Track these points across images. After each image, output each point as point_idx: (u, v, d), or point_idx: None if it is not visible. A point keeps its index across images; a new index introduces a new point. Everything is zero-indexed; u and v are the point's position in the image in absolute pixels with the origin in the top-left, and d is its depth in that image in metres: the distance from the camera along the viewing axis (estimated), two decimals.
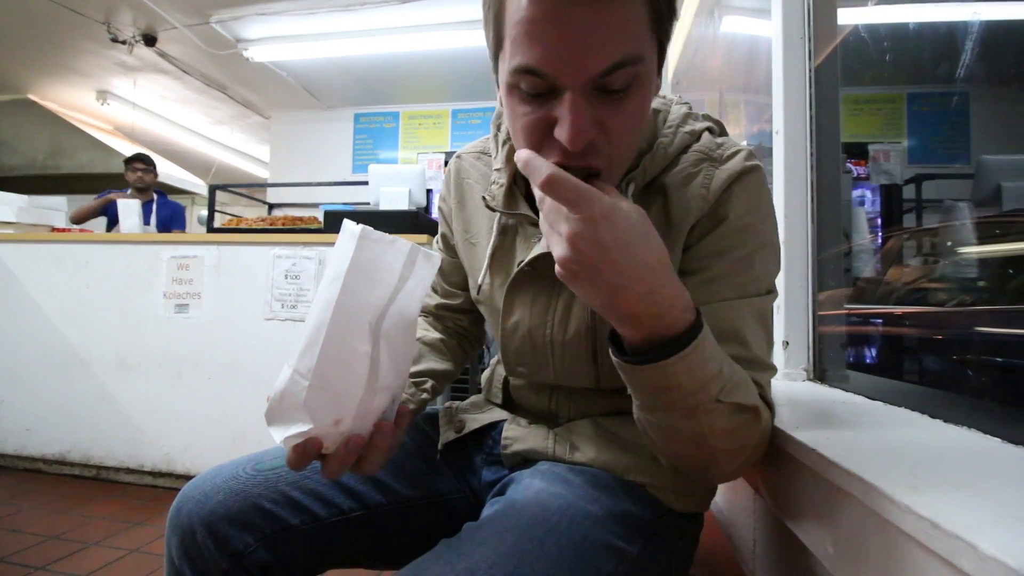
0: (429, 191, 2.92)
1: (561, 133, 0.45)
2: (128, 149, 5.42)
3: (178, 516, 0.60)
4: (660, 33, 0.47)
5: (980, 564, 0.28)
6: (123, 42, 4.02)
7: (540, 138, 0.47)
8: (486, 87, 4.29)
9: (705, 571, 0.87)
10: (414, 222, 2.41)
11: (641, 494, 0.58)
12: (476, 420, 0.70)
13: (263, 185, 5.48)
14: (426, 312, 0.80)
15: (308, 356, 0.45)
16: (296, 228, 2.69)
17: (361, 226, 0.46)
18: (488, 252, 0.65)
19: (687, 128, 0.59)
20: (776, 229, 0.58)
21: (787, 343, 0.86)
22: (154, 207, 3.46)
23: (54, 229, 3.04)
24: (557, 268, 0.42)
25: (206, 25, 3.81)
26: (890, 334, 1.07)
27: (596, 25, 0.42)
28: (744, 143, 0.61)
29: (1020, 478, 0.39)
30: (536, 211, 0.58)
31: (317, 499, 0.62)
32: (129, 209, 2.71)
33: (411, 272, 0.47)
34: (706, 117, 0.62)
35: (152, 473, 2.24)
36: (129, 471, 2.26)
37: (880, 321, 1.07)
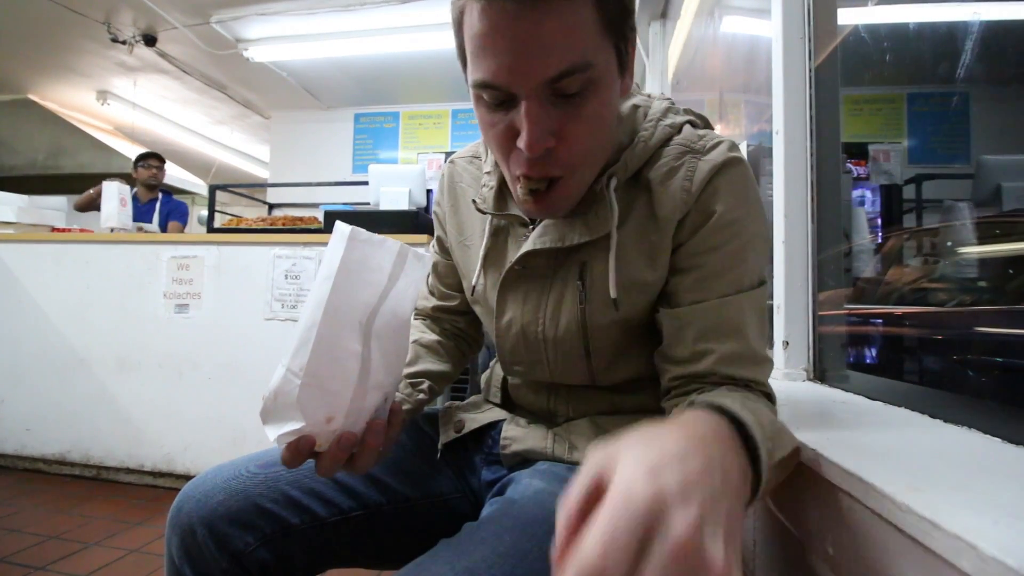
0: (429, 191, 2.91)
1: (521, 141, 0.47)
2: (128, 149, 5.43)
3: (178, 516, 0.60)
4: (615, 35, 0.48)
5: (980, 564, 0.28)
6: (123, 42, 4.02)
7: (508, 149, 0.50)
8: None
9: None
10: (414, 222, 2.41)
11: None
12: (475, 420, 0.70)
13: (263, 185, 5.49)
14: (423, 314, 0.81)
15: (300, 355, 0.46)
16: (296, 228, 2.69)
17: (351, 227, 0.46)
18: (481, 253, 0.65)
19: (668, 121, 0.59)
20: (764, 219, 0.58)
21: (787, 343, 0.86)
22: (157, 205, 3.46)
23: (54, 229, 3.04)
24: None
25: (206, 25, 3.81)
26: (890, 334, 1.07)
27: (541, 36, 0.44)
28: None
29: (1020, 478, 0.39)
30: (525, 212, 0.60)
31: (317, 499, 0.62)
32: (112, 191, 2.57)
33: (401, 272, 0.48)
34: (688, 111, 0.62)
35: (152, 473, 2.24)
36: (129, 471, 2.26)
37: (880, 321, 1.07)
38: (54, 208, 3.28)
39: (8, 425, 2.37)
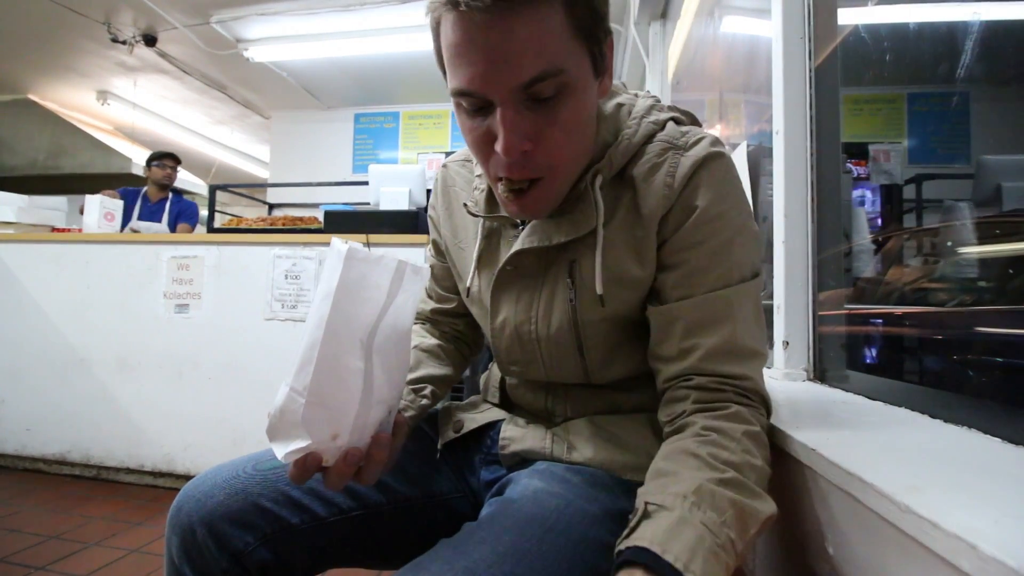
0: (429, 191, 2.91)
1: (498, 145, 0.49)
2: (128, 149, 5.42)
3: (178, 516, 0.60)
4: (587, 40, 0.50)
5: (980, 564, 0.28)
6: (123, 42, 4.02)
7: (488, 153, 0.52)
8: None
9: None
10: (414, 222, 2.41)
11: None
12: (474, 420, 0.70)
13: (263, 185, 5.48)
14: (422, 318, 0.81)
15: (303, 374, 0.46)
16: (296, 228, 2.69)
17: (348, 245, 0.47)
18: (474, 255, 0.66)
19: (651, 118, 0.59)
20: (750, 213, 0.58)
21: (787, 343, 0.86)
22: (167, 205, 3.46)
23: (54, 229, 3.04)
24: None
25: (206, 25, 3.81)
26: (890, 334, 1.07)
27: (512, 44, 0.45)
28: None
29: (1020, 478, 0.39)
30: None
31: (317, 498, 0.62)
32: (95, 205, 2.59)
33: (400, 287, 0.48)
34: (672, 108, 0.63)
35: (152, 473, 2.24)
36: (129, 471, 2.26)
37: (880, 321, 1.07)
38: (54, 208, 3.27)
39: (8, 425, 2.37)
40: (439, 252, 0.77)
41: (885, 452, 0.46)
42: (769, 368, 0.88)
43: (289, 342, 2.12)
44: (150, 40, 4.04)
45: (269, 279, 2.15)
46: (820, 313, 0.85)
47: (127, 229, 3.11)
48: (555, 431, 0.64)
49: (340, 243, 0.47)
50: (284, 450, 0.47)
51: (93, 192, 2.77)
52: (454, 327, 0.81)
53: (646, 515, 0.43)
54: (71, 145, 5.33)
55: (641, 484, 0.60)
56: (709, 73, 1.86)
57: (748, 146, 1.11)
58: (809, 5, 0.89)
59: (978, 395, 0.70)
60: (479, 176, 0.67)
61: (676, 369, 0.55)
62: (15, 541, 1.67)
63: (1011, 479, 0.39)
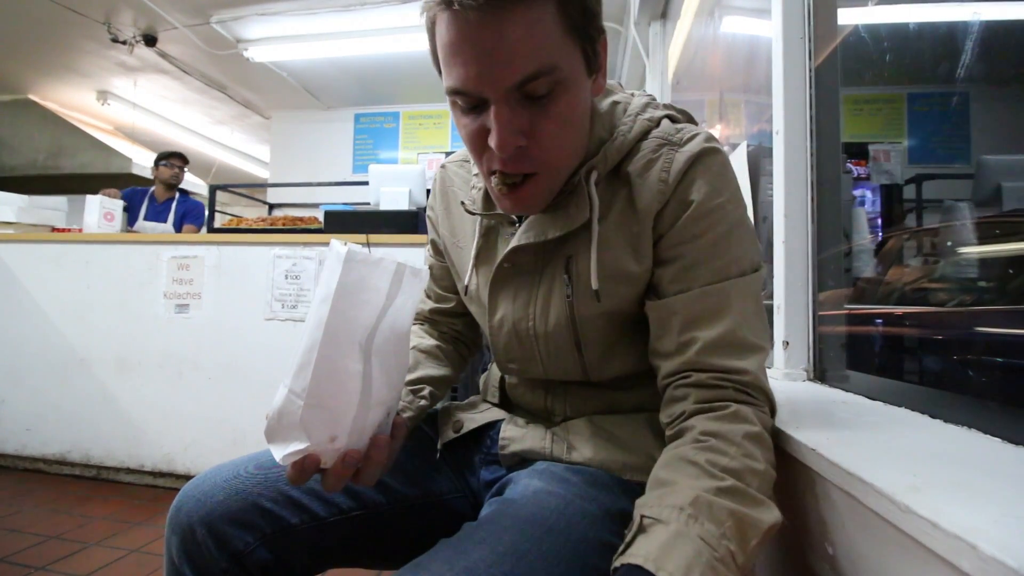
0: (429, 191, 2.91)
1: (492, 140, 0.50)
2: (128, 149, 5.42)
3: (178, 516, 0.60)
4: (580, 38, 0.50)
5: (980, 564, 0.28)
6: (123, 42, 4.01)
7: (483, 148, 0.52)
8: None
9: None
10: (414, 222, 2.41)
11: (639, 493, 0.58)
12: (474, 420, 0.70)
13: (263, 185, 5.48)
14: (421, 318, 0.81)
15: (302, 376, 0.46)
16: (296, 228, 2.69)
17: (347, 247, 0.47)
18: (472, 253, 0.66)
19: (646, 116, 0.60)
20: (745, 208, 0.59)
21: (787, 343, 0.86)
22: (173, 205, 3.46)
23: (54, 229, 3.04)
24: None
25: (206, 25, 3.81)
26: (890, 334, 1.07)
27: (505, 43, 0.46)
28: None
29: (1020, 478, 0.39)
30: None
31: (317, 499, 0.62)
32: (94, 205, 2.59)
33: (399, 290, 0.48)
34: (668, 106, 0.63)
35: (152, 473, 2.24)
36: (129, 471, 2.26)
37: (880, 321, 1.07)
38: (54, 208, 3.27)
39: (8, 425, 2.37)
40: (437, 252, 0.77)
41: (885, 452, 0.46)
42: (769, 368, 0.88)
43: (289, 342, 2.12)
44: (150, 40, 4.03)
45: (269, 279, 2.15)
46: (820, 313, 0.85)
47: (133, 230, 3.11)
48: (555, 431, 0.64)
49: (339, 245, 0.47)
50: (282, 452, 0.47)
51: (93, 192, 2.77)
52: (452, 327, 0.81)
53: (641, 529, 0.42)
54: (71, 145, 5.33)
55: (641, 484, 0.60)
56: (709, 73, 1.86)
57: (748, 146, 1.11)
58: (809, 5, 0.89)
59: (978, 395, 0.69)
60: (477, 175, 0.67)
61: (675, 364, 0.55)
62: (15, 541, 1.67)
63: (1011, 479, 0.39)
